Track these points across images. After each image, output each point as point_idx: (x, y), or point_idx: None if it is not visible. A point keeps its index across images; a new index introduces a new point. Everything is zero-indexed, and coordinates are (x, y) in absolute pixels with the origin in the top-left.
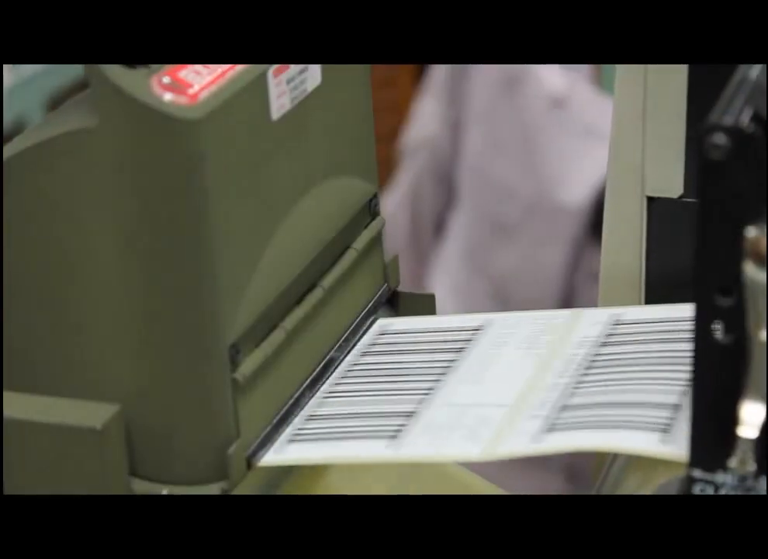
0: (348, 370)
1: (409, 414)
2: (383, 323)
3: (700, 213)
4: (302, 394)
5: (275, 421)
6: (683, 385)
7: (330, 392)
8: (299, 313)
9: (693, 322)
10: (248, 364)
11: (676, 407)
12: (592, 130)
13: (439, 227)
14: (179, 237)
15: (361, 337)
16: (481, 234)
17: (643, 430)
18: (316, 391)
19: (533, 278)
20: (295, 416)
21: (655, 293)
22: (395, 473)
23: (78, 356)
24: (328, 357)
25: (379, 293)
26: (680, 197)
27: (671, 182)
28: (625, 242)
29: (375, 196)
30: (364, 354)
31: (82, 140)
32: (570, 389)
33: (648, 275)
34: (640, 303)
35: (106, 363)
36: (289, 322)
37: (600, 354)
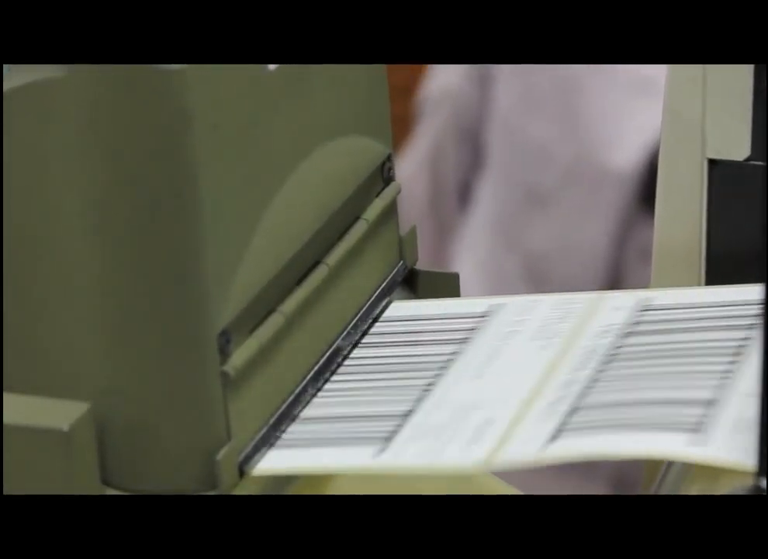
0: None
1: (403, 416)
2: (398, 306)
3: None
4: (304, 390)
5: (271, 421)
6: (719, 378)
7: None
8: (299, 295)
9: (762, 307)
10: (240, 355)
11: (709, 403)
12: (643, 83)
13: (463, 195)
14: (160, 207)
15: (373, 323)
16: (513, 204)
17: (671, 431)
18: (321, 386)
19: (573, 255)
20: (296, 415)
21: (717, 272)
22: (407, 477)
23: (42, 347)
24: (334, 346)
25: (394, 271)
26: (746, 160)
27: (736, 143)
28: (682, 213)
29: (389, 158)
30: (359, 346)
31: (46, 94)
32: (588, 386)
33: (709, 250)
34: (699, 283)
35: (74, 355)
36: (288, 306)
37: (623, 345)
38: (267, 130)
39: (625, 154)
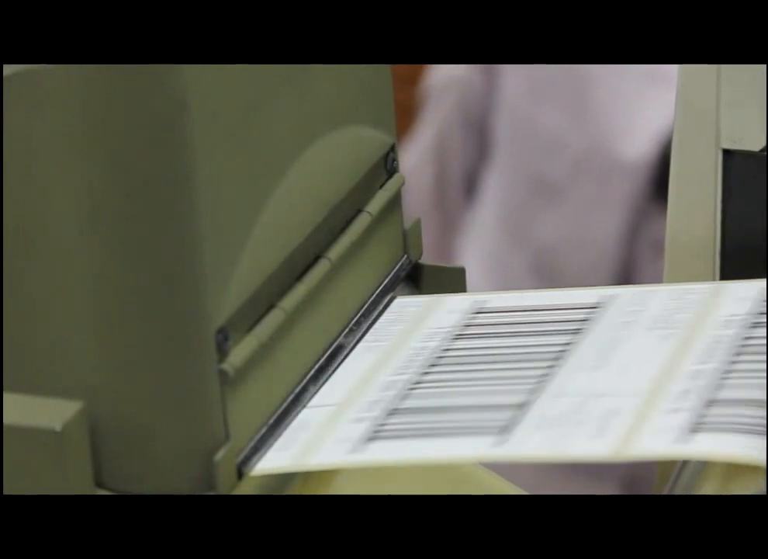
0: (439, 357)
1: (519, 406)
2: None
3: None
4: (305, 389)
5: (271, 421)
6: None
7: (416, 382)
8: (300, 290)
9: None
10: (239, 352)
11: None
12: (656, 71)
13: (470, 186)
14: (155, 199)
15: (376, 319)
16: (520, 196)
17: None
18: (322, 385)
19: (583, 249)
20: (297, 415)
21: (732, 265)
22: (407, 477)
23: (33, 344)
24: (336, 343)
25: (398, 266)
26: (762, 150)
27: (751, 132)
28: (696, 205)
29: (393, 148)
30: (456, 338)
31: (38, 83)
32: (718, 378)
33: (723, 244)
34: (714, 278)
35: (67, 352)
36: (289, 302)
37: (750, 336)
38: (266, 120)
39: (637, 145)
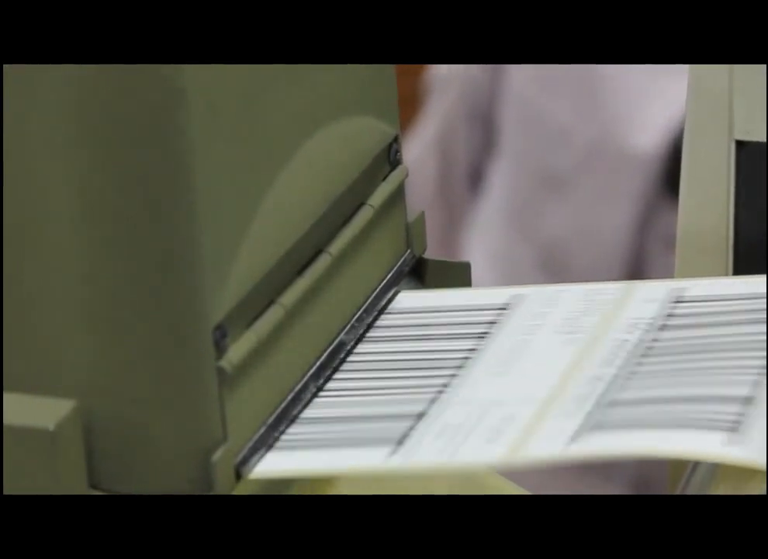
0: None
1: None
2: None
3: None
4: (305, 387)
5: (270, 420)
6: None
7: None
8: (300, 286)
9: None
10: (237, 350)
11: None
12: None
13: (475, 179)
14: (152, 192)
15: (378, 315)
16: (527, 189)
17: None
18: (323, 384)
19: (592, 243)
20: (296, 415)
21: (745, 260)
22: (413, 481)
23: (27, 341)
24: (337, 341)
25: (401, 260)
26: None
27: (765, 123)
28: (708, 197)
29: (396, 140)
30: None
31: (30, 72)
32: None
33: (736, 238)
34: (727, 273)
35: (60, 349)
36: (289, 297)
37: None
38: (265, 110)
39: (648, 136)
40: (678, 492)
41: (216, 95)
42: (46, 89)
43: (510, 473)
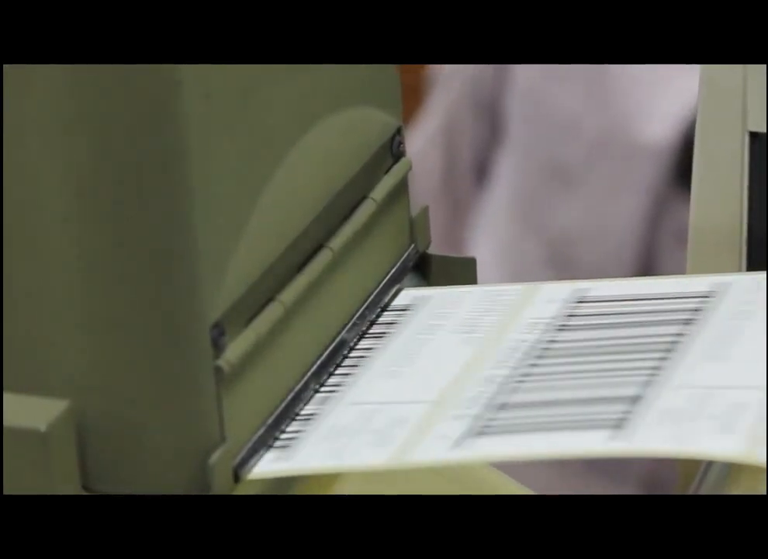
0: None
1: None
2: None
3: None
4: (305, 386)
5: (270, 420)
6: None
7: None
8: (301, 282)
9: None
10: (235, 348)
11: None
12: None
13: (480, 172)
14: (147, 185)
15: (381, 312)
16: (535, 182)
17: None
18: (323, 383)
19: (601, 238)
20: (296, 414)
21: (759, 255)
22: (414, 480)
23: (18, 339)
24: (339, 339)
25: (405, 256)
26: None
27: None
28: (721, 191)
29: (399, 131)
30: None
31: (26, 68)
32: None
33: (750, 232)
34: (740, 268)
35: (53, 348)
36: (288, 295)
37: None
38: (265, 101)
39: (659, 127)
40: (690, 491)
41: (213, 86)
42: (41, 84)
43: (512, 472)
